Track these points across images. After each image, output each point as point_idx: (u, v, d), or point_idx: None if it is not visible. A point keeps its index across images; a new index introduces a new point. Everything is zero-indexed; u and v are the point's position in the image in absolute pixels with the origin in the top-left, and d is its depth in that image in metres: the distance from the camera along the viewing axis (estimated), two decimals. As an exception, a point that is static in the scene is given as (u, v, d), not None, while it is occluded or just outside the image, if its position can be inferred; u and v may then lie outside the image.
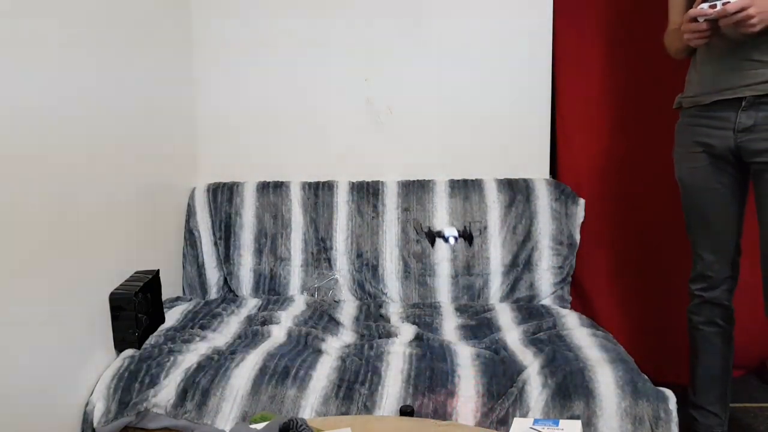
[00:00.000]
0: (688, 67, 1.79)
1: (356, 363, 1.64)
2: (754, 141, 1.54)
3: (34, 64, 1.38)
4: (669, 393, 1.52)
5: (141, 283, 1.75)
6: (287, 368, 1.60)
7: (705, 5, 1.48)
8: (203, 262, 2.23)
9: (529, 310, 2.02)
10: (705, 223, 1.73)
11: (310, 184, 2.28)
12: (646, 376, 1.56)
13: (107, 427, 1.54)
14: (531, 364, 1.62)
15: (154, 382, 1.58)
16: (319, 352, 1.71)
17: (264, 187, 2.28)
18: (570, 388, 1.51)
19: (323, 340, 1.79)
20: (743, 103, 1.54)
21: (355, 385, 1.56)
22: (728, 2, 1.43)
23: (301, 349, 1.73)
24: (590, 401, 1.48)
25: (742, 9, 1.42)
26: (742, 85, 1.54)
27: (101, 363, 1.65)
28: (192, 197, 2.29)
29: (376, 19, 2.28)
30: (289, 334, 1.81)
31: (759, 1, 1.41)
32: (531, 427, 1.14)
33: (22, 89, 1.34)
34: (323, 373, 1.59)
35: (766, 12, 1.42)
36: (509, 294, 2.15)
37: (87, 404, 1.58)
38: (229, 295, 2.21)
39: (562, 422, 1.16)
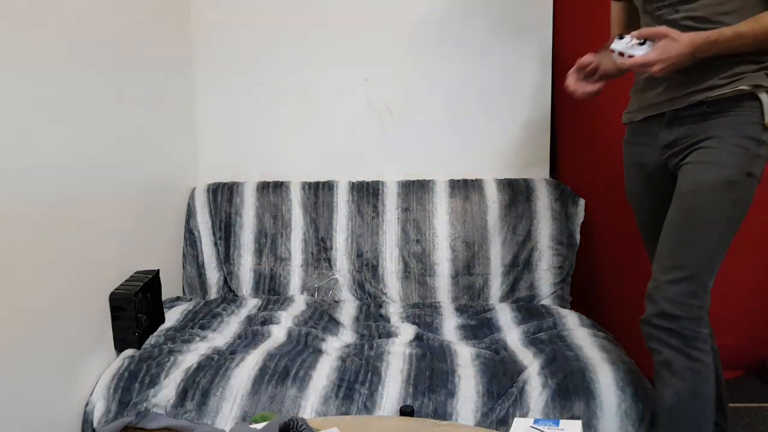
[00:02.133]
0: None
1: (356, 363, 1.64)
2: (676, 155, 1.48)
3: (33, 65, 1.38)
4: None
5: (141, 283, 1.75)
6: (287, 368, 1.60)
7: (616, 50, 1.38)
8: (203, 262, 2.23)
9: (529, 310, 2.02)
10: (653, 237, 1.64)
11: (310, 184, 2.28)
12: (646, 378, 1.56)
13: (107, 427, 1.54)
14: (531, 364, 1.62)
15: (154, 382, 1.58)
16: (319, 352, 1.71)
17: (264, 187, 2.28)
18: (570, 388, 1.51)
19: (323, 340, 1.79)
20: (665, 119, 1.49)
21: (355, 385, 1.56)
22: (632, 56, 1.35)
23: (301, 349, 1.73)
24: (590, 402, 1.48)
25: (646, 64, 1.34)
26: (663, 100, 1.49)
27: (101, 363, 1.65)
28: (192, 197, 2.29)
29: (376, 19, 2.27)
30: (289, 334, 1.81)
31: (663, 53, 1.32)
32: (531, 426, 1.14)
33: (22, 91, 1.34)
34: (323, 373, 1.59)
35: (669, 62, 1.32)
36: (509, 294, 2.15)
37: (87, 404, 1.58)
38: (229, 295, 2.21)
39: (563, 422, 1.16)
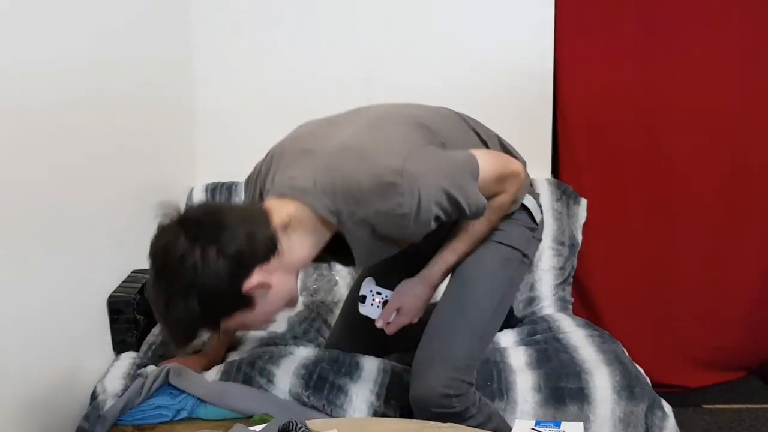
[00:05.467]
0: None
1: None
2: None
3: (31, 65, 1.36)
4: (666, 406, 1.49)
5: (139, 285, 1.74)
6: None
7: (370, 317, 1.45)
8: (202, 263, 2.21)
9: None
10: None
11: (309, 184, 2.26)
12: (644, 380, 1.54)
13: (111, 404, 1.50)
14: (523, 365, 1.60)
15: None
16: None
17: (263, 187, 2.27)
18: (564, 391, 1.49)
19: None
20: None
21: (354, 386, 1.55)
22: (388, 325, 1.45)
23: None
24: (584, 406, 1.46)
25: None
26: None
27: (101, 363, 1.65)
28: (190, 197, 2.27)
29: (377, 19, 2.26)
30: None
31: (411, 312, 1.44)
32: (533, 429, 1.13)
33: (20, 90, 1.32)
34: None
35: (419, 311, 1.46)
36: (509, 294, 2.13)
37: (87, 404, 1.56)
38: (228, 296, 2.19)
39: (564, 424, 1.14)
